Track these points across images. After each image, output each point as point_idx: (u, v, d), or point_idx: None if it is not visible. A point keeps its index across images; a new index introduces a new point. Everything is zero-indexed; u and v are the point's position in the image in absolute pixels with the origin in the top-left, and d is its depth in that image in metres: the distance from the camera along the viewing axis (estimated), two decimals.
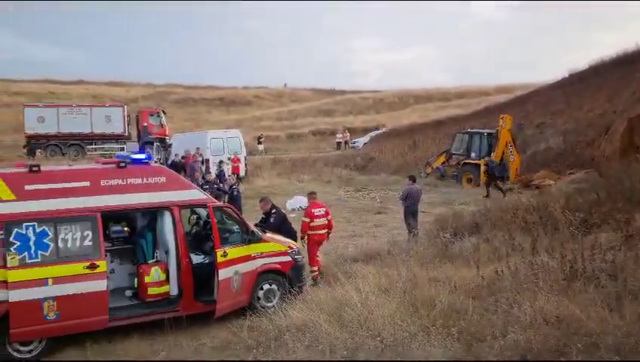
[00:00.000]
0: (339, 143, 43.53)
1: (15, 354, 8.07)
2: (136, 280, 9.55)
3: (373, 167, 34.53)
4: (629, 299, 7.30)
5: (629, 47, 27.03)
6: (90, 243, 8.40)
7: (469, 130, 29.17)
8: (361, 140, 42.91)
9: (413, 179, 15.96)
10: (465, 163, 27.59)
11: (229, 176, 22.26)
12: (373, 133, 43.36)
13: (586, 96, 28.21)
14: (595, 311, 7.06)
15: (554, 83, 32.31)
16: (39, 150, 34.29)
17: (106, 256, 8.71)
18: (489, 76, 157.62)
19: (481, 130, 28.33)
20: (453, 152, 28.79)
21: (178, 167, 22.83)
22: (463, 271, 9.93)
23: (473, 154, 27.42)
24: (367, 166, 35.00)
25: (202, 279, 9.39)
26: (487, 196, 22.59)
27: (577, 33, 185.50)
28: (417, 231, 14.50)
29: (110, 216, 9.25)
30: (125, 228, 9.98)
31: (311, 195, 12.52)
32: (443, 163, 29.25)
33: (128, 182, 8.93)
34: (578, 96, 28.76)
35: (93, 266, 8.30)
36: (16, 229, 7.95)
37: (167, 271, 9.35)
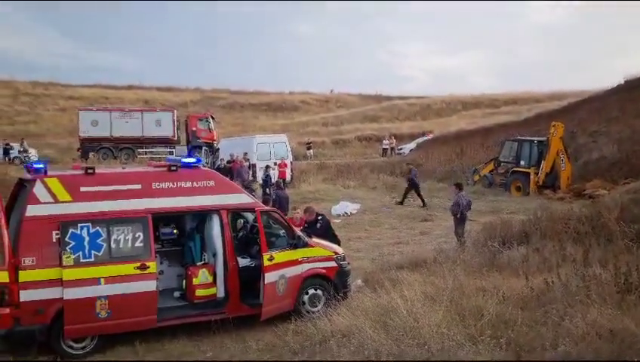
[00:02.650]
0: (385, 149, 43.33)
1: (69, 350, 8.35)
2: (184, 281, 9.73)
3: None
4: None
5: None
6: (141, 244, 8.61)
7: (518, 137, 28.61)
8: (408, 147, 42.60)
9: (460, 186, 15.80)
10: (514, 171, 27.11)
11: (274, 181, 22.53)
12: (419, 140, 42.98)
13: None
14: None
15: (609, 89, 31.30)
16: (92, 153, 35.20)
17: (155, 257, 8.90)
18: (541, 82, 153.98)
19: (531, 138, 27.77)
20: (502, 160, 28.29)
21: (224, 171, 23.15)
22: (512, 281, 9.72)
23: (522, 163, 26.89)
24: None
25: (248, 282, 9.50)
26: (401, 203, 23.96)
27: (632, 36, 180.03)
28: (464, 239, 14.35)
29: (160, 218, 9.46)
30: (174, 231, 10.19)
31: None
32: (491, 171, 28.80)
33: (178, 185, 9.13)
34: (634, 102, 27.77)
35: (143, 267, 8.51)
36: (71, 229, 8.21)
37: (214, 274, 9.51)
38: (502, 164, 28.29)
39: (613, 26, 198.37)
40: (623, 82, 30.05)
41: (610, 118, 28.86)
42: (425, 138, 43.00)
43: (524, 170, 26.64)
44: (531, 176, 26.11)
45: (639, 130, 26.32)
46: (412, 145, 42.53)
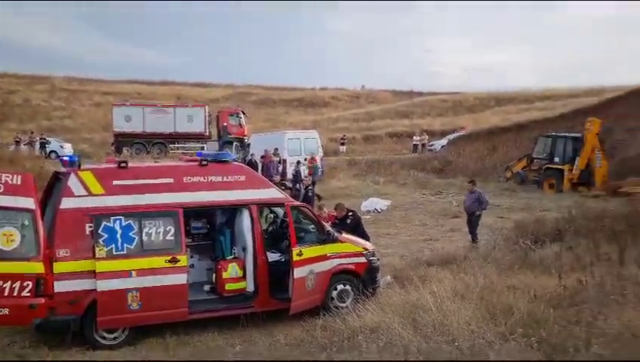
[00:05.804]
0: (415, 146, 43.09)
1: (101, 340, 8.47)
2: (214, 275, 9.81)
3: (450, 170, 33.88)
4: None
5: None
6: (172, 238, 8.69)
7: (552, 133, 28.16)
8: (439, 143, 42.26)
9: (475, 183, 15.63)
10: (547, 168, 26.69)
11: (304, 176, 22.54)
12: (451, 136, 42.58)
13: None
14: None
15: None
16: (126, 148, 35.68)
17: (186, 250, 8.99)
18: (577, 78, 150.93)
19: (565, 134, 27.32)
20: (535, 156, 27.88)
21: (254, 166, 23.25)
22: (544, 279, 9.60)
23: (557, 159, 26.47)
24: (444, 169, 34.40)
25: (278, 277, 9.52)
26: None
27: None
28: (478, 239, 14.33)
29: (191, 212, 9.54)
30: (205, 225, 10.27)
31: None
32: (524, 167, 28.41)
33: (209, 179, 9.20)
34: None
35: (174, 260, 8.60)
36: (104, 222, 8.33)
37: (244, 268, 9.57)
38: (535, 160, 27.87)
39: None
40: None
41: None
42: (458, 134, 42.57)
43: (558, 166, 26.23)
44: (565, 173, 25.70)
45: None
46: (444, 141, 42.17)
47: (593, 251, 10.75)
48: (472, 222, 14.93)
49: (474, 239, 14.64)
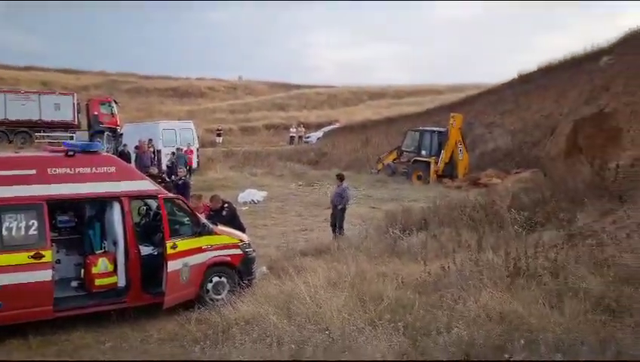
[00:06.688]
0: (292, 138, 43.58)
1: None
2: (82, 270, 9.41)
3: (325, 161, 34.67)
4: (569, 296, 7.48)
5: (576, 50, 27.50)
6: (36, 232, 8.23)
7: (420, 128, 29.62)
8: (315, 135, 43.03)
9: (342, 177, 15.72)
10: (415, 160, 28.04)
11: (179, 168, 22.04)
12: (326, 129, 43.49)
13: (533, 97, 28.84)
14: (537, 308, 7.25)
15: (504, 83, 32.75)
16: None
17: (52, 245, 8.55)
18: (444, 74, 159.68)
19: (431, 128, 28.83)
20: (404, 150, 29.19)
21: (127, 157, 22.44)
22: (411, 266, 10.06)
23: (424, 152, 27.89)
24: (319, 161, 35.13)
25: (151, 271, 9.30)
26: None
27: (526, 34, 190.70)
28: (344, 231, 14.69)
29: (57, 206, 9.10)
30: (73, 218, 9.80)
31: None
32: (394, 160, 29.63)
33: (77, 171, 8.77)
34: (526, 96, 29.37)
35: (38, 256, 8.14)
36: None
37: (115, 262, 9.25)
38: (404, 153, 29.17)
39: (513, 23, 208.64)
40: (517, 77, 31.59)
41: (505, 110, 30.36)
42: (333, 126, 43.51)
43: (424, 159, 27.63)
44: (431, 166, 27.14)
45: (530, 123, 27.89)
46: (319, 133, 42.99)
47: (455, 239, 11.37)
48: (337, 215, 15.19)
49: (334, 230, 14.80)
